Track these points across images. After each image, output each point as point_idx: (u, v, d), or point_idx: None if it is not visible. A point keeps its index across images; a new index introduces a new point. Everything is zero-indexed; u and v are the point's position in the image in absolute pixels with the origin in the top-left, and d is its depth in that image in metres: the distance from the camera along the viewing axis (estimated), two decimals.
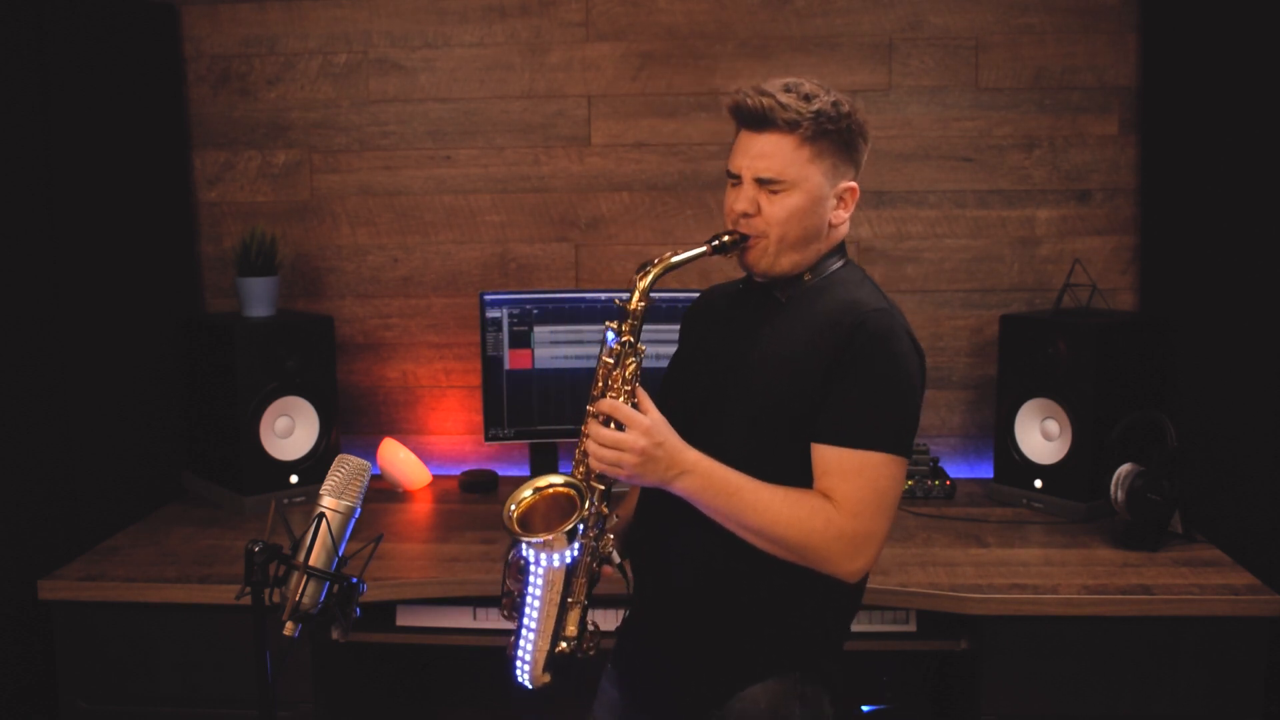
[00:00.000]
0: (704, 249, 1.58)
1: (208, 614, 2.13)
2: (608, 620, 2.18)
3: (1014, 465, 2.59)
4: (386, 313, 2.94)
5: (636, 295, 1.56)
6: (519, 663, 1.62)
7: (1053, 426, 2.55)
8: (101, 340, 2.55)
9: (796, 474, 1.54)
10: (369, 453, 2.80)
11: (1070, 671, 2.07)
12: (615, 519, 1.62)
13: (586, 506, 1.53)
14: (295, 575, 1.49)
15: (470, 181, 2.88)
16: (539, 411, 2.71)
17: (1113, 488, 2.28)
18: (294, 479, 2.62)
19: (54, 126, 2.44)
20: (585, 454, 1.54)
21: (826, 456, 1.53)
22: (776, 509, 1.50)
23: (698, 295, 1.86)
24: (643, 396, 1.54)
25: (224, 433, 2.59)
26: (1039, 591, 2.07)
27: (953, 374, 2.86)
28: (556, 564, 1.54)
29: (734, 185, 1.60)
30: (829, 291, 1.60)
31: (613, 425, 1.50)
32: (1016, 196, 2.81)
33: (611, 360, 1.55)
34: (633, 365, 1.55)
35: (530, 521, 1.56)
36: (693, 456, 1.51)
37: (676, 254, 1.57)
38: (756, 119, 1.56)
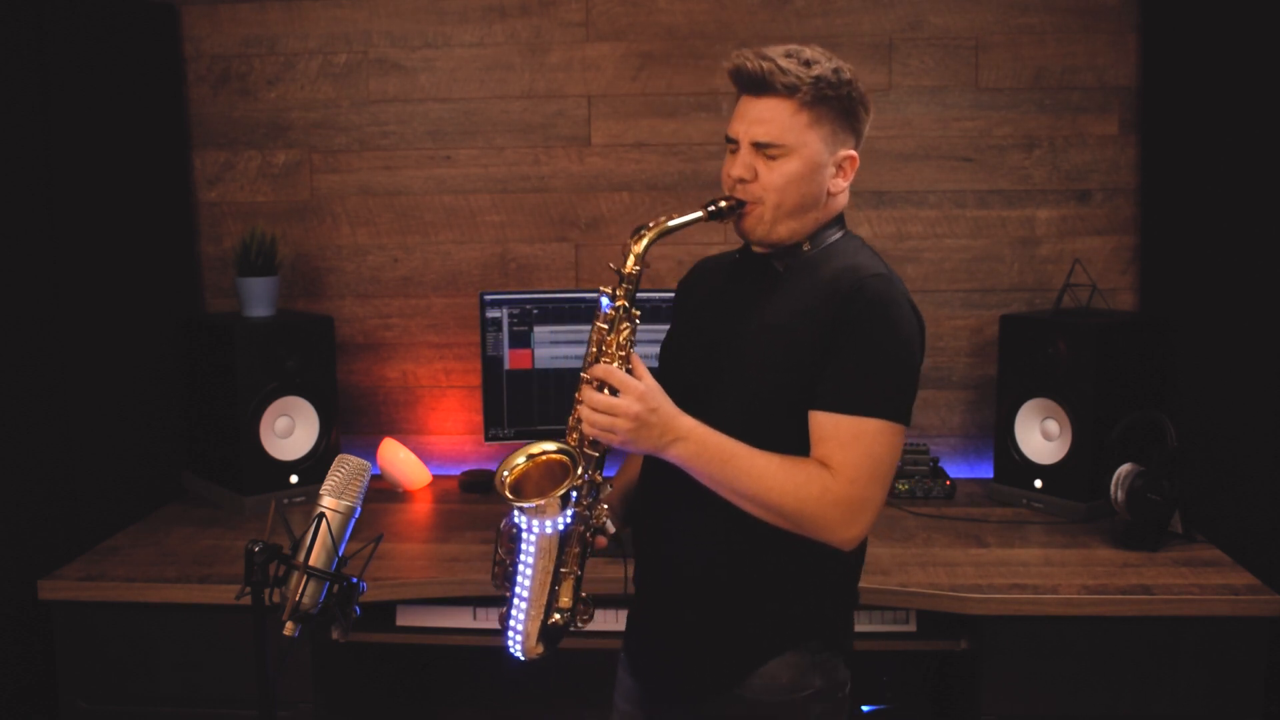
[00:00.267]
0: (700, 214, 1.57)
1: (208, 614, 2.13)
2: (610, 620, 2.19)
3: (1014, 465, 2.59)
4: (386, 313, 2.94)
5: (631, 259, 1.54)
6: (511, 633, 1.60)
7: (1053, 426, 2.55)
8: (101, 340, 2.55)
9: (794, 445, 1.53)
10: (369, 453, 2.80)
11: (1070, 671, 2.07)
12: (609, 488, 1.61)
13: (579, 472, 1.52)
14: (295, 575, 1.49)
15: (470, 181, 2.88)
16: (539, 411, 2.71)
17: (1113, 488, 2.28)
18: (294, 479, 2.62)
19: (54, 126, 2.44)
20: (579, 420, 1.52)
21: (823, 423, 1.52)
22: (772, 475, 1.49)
23: (692, 266, 1.84)
24: (637, 362, 1.53)
25: (224, 433, 2.59)
26: (1039, 591, 2.07)
27: (953, 374, 2.86)
28: (549, 530, 1.53)
29: (732, 151, 1.59)
30: (828, 261, 1.60)
31: (606, 390, 1.50)
32: (1016, 196, 2.81)
33: (605, 326, 1.54)
34: (627, 330, 1.54)
35: (523, 488, 1.55)
36: (687, 423, 1.50)
37: (672, 218, 1.56)
38: (756, 83, 1.55)
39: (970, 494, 2.70)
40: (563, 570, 1.59)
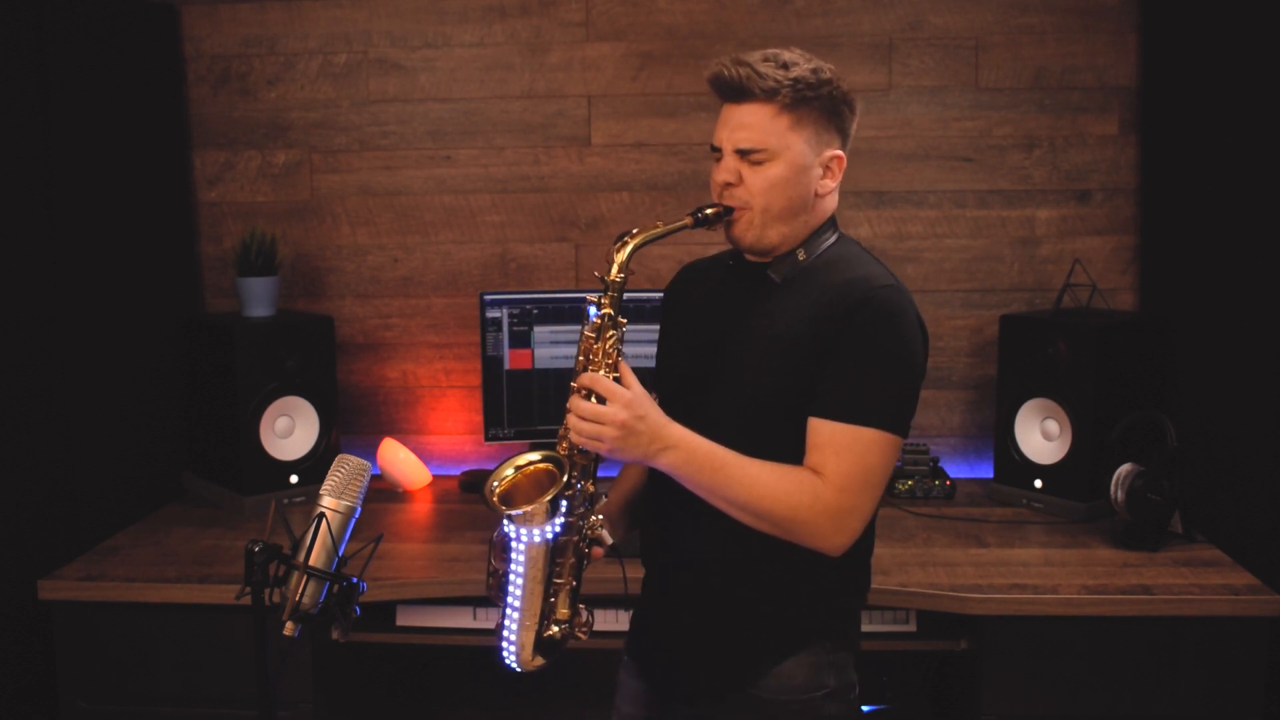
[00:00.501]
0: (686, 221, 1.56)
1: (208, 614, 2.13)
2: (609, 620, 2.19)
3: (1014, 465, 2.59)
4: (386, 313, 2.94)
5: (615, 267, 1.54)
6: (505, 644, 1.60)
7: (1053, 426, 2.55)
8: (101, 340, 2.55)
9: (790, 454, 1.53)
10: (369, 453, 2.80)
11: (1070, 671, 2.07)
12: (604, 499, 1.60)
13: (565, 479, 1.51)
14: (295, 575, 1.49)
15: (470, 181, 2.88)
16: (539, 411, 2.71)
17: (1113, 488, 2.28)
18: (294, 479, 2.62)
19: (54, 126, 2.44)
20: (568, 429, 1.52)
21: (820, 430, 1.52)
22: (763, 483, 1.49)
23: (678, 271, 1.83)
24: (625, 370, 1.52)
25: (224, 433, 2.59)
26: (1039, 591, 2.07)
27: (953, 374, 2.86)
28: (538, 539, 1.52)
29: (717, 159, 1.59)
30: (831, 269, 1.59)
31: (594, 398, 1.49)
32: (1016, 196, 2.81)
33: (593, 335, 1.54)
34: (613, 338, 1.54)
35: (513, 499, 1.55)
36: (676, 431, 1.50)
37: (657, 226, 1.55)
38: (735, 90, 1.55)
39: (970, 494, 2.70)
40: (557, 581, 1.58)
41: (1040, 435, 2.57)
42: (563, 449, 1.55)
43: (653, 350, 1.80)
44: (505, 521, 1.53)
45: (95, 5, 2.54)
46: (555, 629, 1.59)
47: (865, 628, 2.19)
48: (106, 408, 2.56)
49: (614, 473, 1.86)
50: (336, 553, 1.52)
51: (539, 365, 2.69)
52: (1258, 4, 2.34)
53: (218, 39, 2.86)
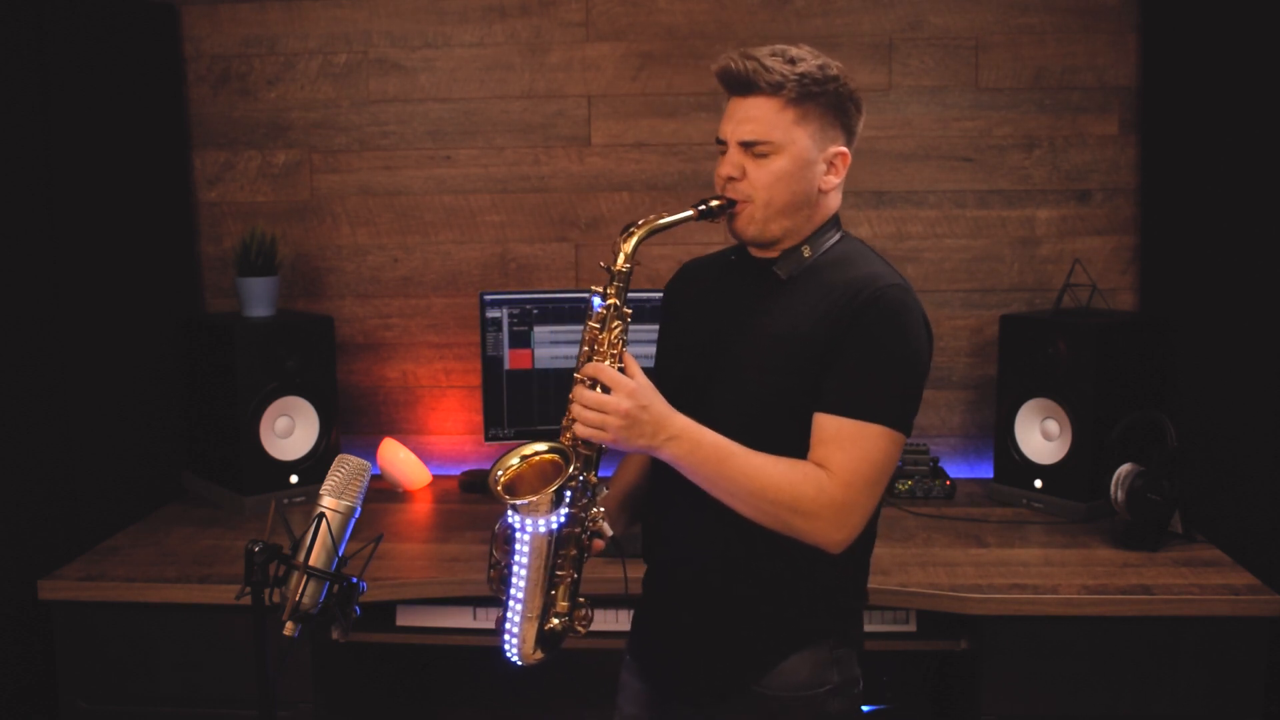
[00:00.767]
0: (690, 213, 1.57)
1: (208, 614, 2.13)
2: (609, 620, 2.19)
3: (1014, 465, 2.59)
4: (386, 313, 2.94)
5: (621, 257, 1.55)
6: (507, 636, 1.59)
7: (1053, 426, 2.55)
8: (101, 340, 2.55)
9: (795, 450, 1.53)
10: (369, 453, 2.80)
11: (1070, 671, 2.07)
12: (605, 490, 1.60)
13: (571, 469, 1.51)
14: (295, 575, 1.49)
15: (470, 181, 2.88)
16: (539, 411, 2.71)
17: (1113, 488, 2.28)
18: (294, 479, 2.62)
19: (54, 126, 2.44)
20: (573, 419, 1.52)
21: (825, 425, 1.52)
22: (768, 474, 1.49)
23: (680, 267, 1.83)
24: (629, 360, 1.52)
25: (224, 433, 2.59)
26: (1039, 591, 2.07)
27: (953, 374, 2.86)
28: (542, 529, 1.52)
29: (721, 152, 1.60)
30: (837, 267, 1.59)
31: (599, 388, 1.49)
32: (1016, 196, 2.81)
33: (598, 325, 1.54)
34: (618, 328, 1.54)
35: (517, 489, 1.54)
36: (680, 421, 1.50)
37: (662, 217, 1.56)
38: (741, 83, 1.55)
39: (970, 494, 2.70)
40: (559, 573, 1.58)
41: (1040, 435, 2.57)
42: (566, 439, 1.55)
43: (654, 350, 1.80)
44: (509, 512, 1.52)
45: (95, 5, 2.54)
46: (556, 621, 1.59)
47: (866, 628, 2.19)
48: (106, 408, 2.56)
49: (611, 468, 1.86)
50: (336, 553, 1.52)
51: (539, 365, 2.69)
52: (1258, 4, 2.34)
53: (218, 39, 2.86)
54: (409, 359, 2.95)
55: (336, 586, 1.51)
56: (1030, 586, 2.09)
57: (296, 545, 1.51)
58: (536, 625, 1.58)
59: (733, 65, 1.55)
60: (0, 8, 2.30)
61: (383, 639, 2.31)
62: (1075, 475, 2.48)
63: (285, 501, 2.58)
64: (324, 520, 1.51)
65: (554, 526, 1.53)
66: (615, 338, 1.53)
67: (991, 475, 2.69)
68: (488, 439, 2.71)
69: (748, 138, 1.55)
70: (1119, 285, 2.80)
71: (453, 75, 2.85)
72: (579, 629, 1.62)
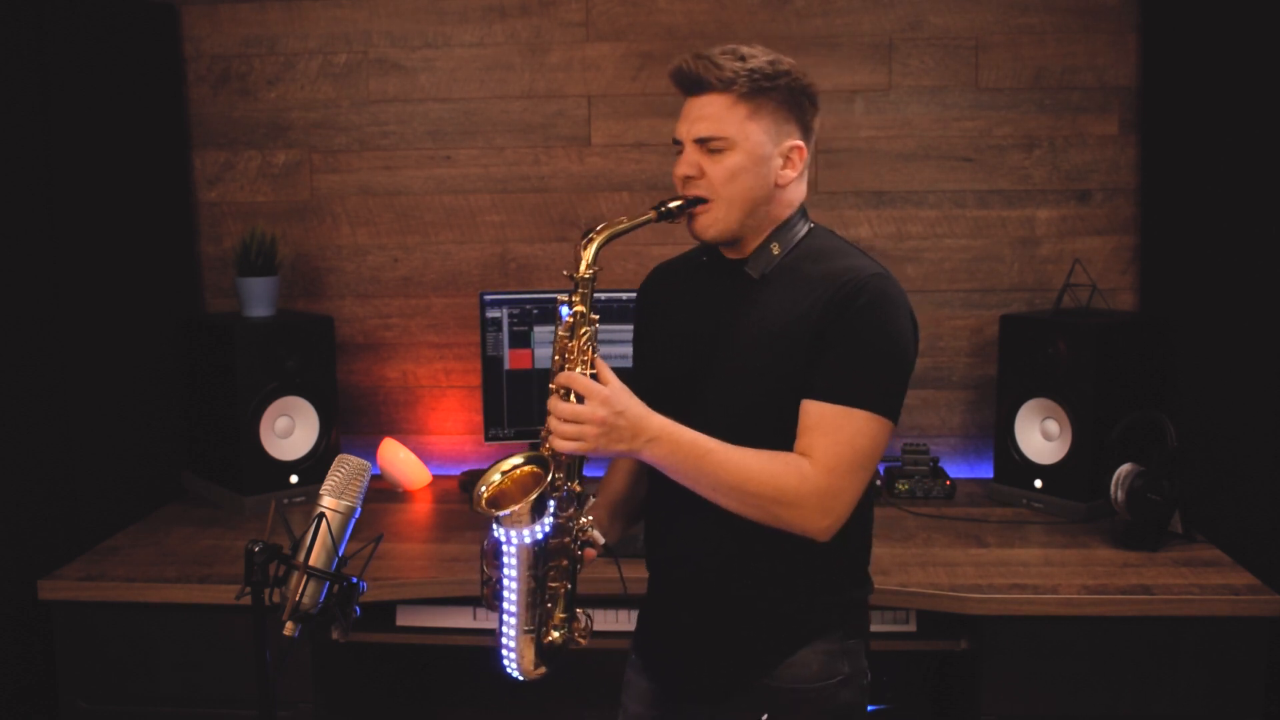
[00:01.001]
0: (650, 215, 1.57)
1: (208, 614, 2.13)
2: (609, 620, 2.19)
3: (1014, 465, 2.59)
4: (386, 313, 2.94)
5: (583, 264, 1.54)
6: (505, 651, 1.59)
7: (1053, 426, 2.55)
8: (101, 340, 2.55)
9: (783, 448, 1.53)
10: (369, 453, 2.80)
11: (1070, 671, 2.07)
12: (592, 499, 1.60)
13: (551, 478, 1.51)
14: (295, 575, 1.49)
15: (470, 181, 2.88)
16: (539, 411, 2.69)
17: (1113, 488, 2.28)
18: (294, 479, 2.62)
19: (54, 126, 2.44)
20: (549, 431, 1.51)
21: (809, 412, 1.52)
22: (748, 465, 1.49)
23: (651, 270, 1.83)
24: (601, 366, 1.52)
25: (224, 433, 2.59)
26: (1039, 591, 2.07)
27: (953, 374, 2.86)
28: (527, 540, 1.51)
29: (678, 152, 1.61)
30: (814, 261, 1.59)
31: (573, 397, 1.49)
32: (1016, 196, 2.81)
33: (566, 334, 1.54)
34: (587, 334, 1.53)
35: (500, 504, 1.54)
36: (657, 422, 1.50)
37: (622, 221, 1.57)
38: (694, 82, 1.56)
39: (970, 494, 2.70)
40: (552, 585, 1.58)
41: (1040, 435, 2.57)
42: (545, 450, 1.54)
43: (630, 350, 1.80)
44: (494, 526, 1.52)
45: (95, 5, 2.54)
46: (555, 634, 1.59)
47: None
48: (106, 408, 2.56)
49: (600, 471, 1.86)
50: (336, 553, 1.52)
51: (539, 365, 2.69)
52: (1258, 4, 2.34)
53: (218, 39, 2.86)
54: (409, 359, 2.95)
55: (336, 586, 1.51)
56: (1030, 586, 2.09)
57: (296, 545, 1.51)
58: (534, 639, 1.58)
59: (684, 65, 1.56)
60: (0, 8, 2.30)
61: (383, 639, 2.31)
62: (1075, 475, 2.48)
63: (285, 501, 2.58)
64: (324, 520, 1.51)
65: (539, 537, 1.52)
66: (585, 344, 1.53)
67: (991, 475, 2.69)
68: (488, 439, 2.71)
69: (702, 134, 1.56)
70: (1119, 285, 2.80)
71: (453, 75, 2.85)
72: (579, 640, 1.62)
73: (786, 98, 1.57)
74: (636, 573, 1.76)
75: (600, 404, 1.47)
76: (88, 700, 2.19)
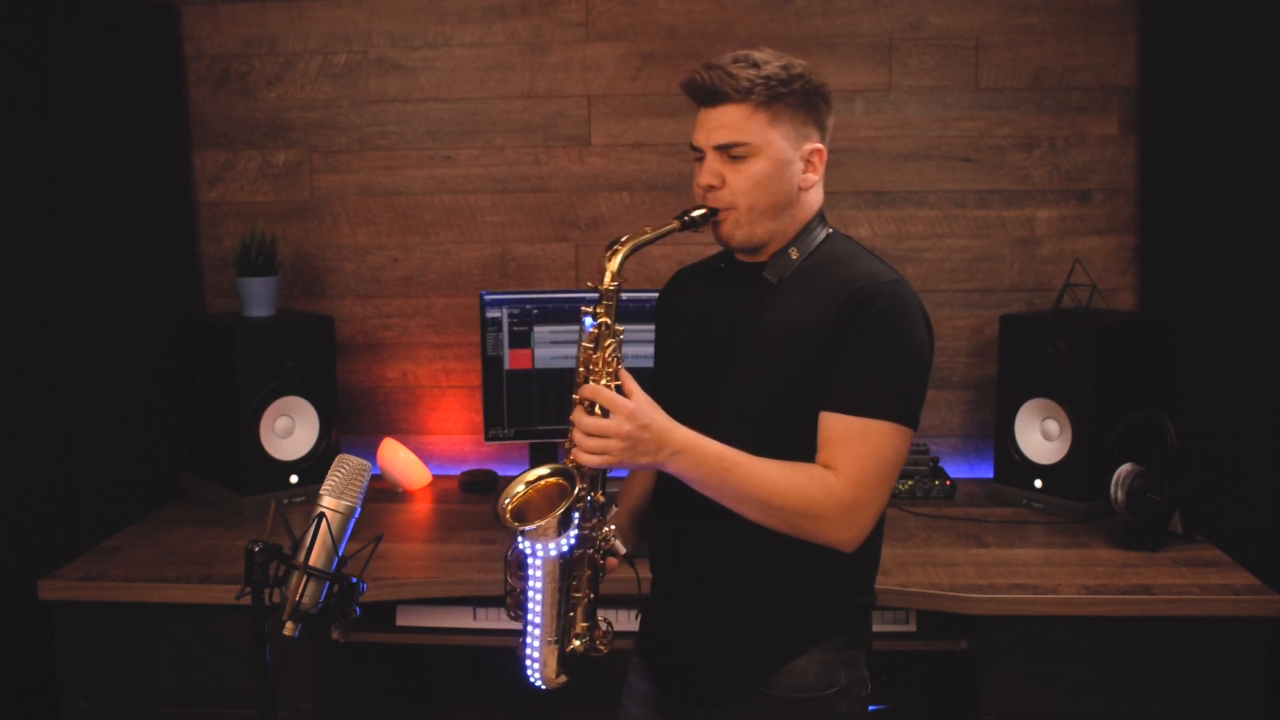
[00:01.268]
0: (674, 225, 1.56)
1: (208, 614, 2.13)
2: (618, 620, 2.19)
3: (1014, 465, 2.59)
4: (386, 313, 2.94)
5: (608, 275, 1.54)
6: (529, 661, 1.60)
7: (1053, 426, 2.55)
8: (101, 340, 2.55)
9: (804, 453, 1.53)
10: (369, 453, 2.80)
11: (1070, 671, 2.07)
12: (614, 509, 1.60)
13: (576, 491, 1.51)
14: (295, 575, 1.49)
15: (470, 181, 2.88)
16: (539, 411, 2.71)
17: (1113, 488, 2.28)
18: (294, 479, 2.62)
19: (54, 126, 2.44)
20: (574, 444, 1.51)
21: (831, 424, 1.52)
22: (774, 479, 1.49)
23: (671, 277, 1.83)
24: (626, 378, 1.52)
25: (224, 433, 2.59)
26: (1039, 591, 2.07)
27: (953, 374, 2.86)
28: (553, 553, 1.52)
29: (698, 160, 1.60)
30: (831, 266, 1.59)
31: (598, 410, 1.49)
32: (1016, 196, 2.81)
33: (590, 345, 1.53)
34: (612, 346, 1.53)
35: (525, 515, 1.54)
36: (682, 435, 1.49)
37: (646, 232, 1.56)
38: (709, 93, 1.55)
39: (970, 494, 2.70)
40: (575, 595, 1.58)
41: (1040, 435, 2.57)
42: (570, 461, 1.54)
43: (648, 350, 1.80)
44: (519, 538, 1.52)
45: (95, 5, 2.54)
46: (577, 643, 1.60)
47: None
48: (106, 408, 2.56)
49: (621, 474, 1.86)
50: (336, 553, 1.52)
51: (539, 365, 2.69)
52: (1258, 4, 2.34)
53: (218, 39, 2.86)
54: (409, 359, 2.95)
55: (336, 586, 1.51)
56: (1030, 586, 2.09)
57: (296, 545, 1.51)
58: (557, 649, 1.58)
59: (698, 77, 1.55)
60: (0, 8, 2.30)
61: (383, 639, 2.31)
62: (1075, 475, 2.48)
63: (285, 501, 2.58)
64: (324, 520, 1.51)
65: (564, 549, 1.53)
66: (610, 356, 1.52)
67: (991, 475, 2.69)
68: (488, 439, 2.71)
69: (724, 140, 1.55)
70: (1119, 285, 2.80)
71: (453, 75, 2.85)
72: (600, 648, 1.62)
73: (803, 100, 1.56)
74: (643, 573, 1.75)
75: (625, 418, 1.46)
76: (88, 700, 2.19)
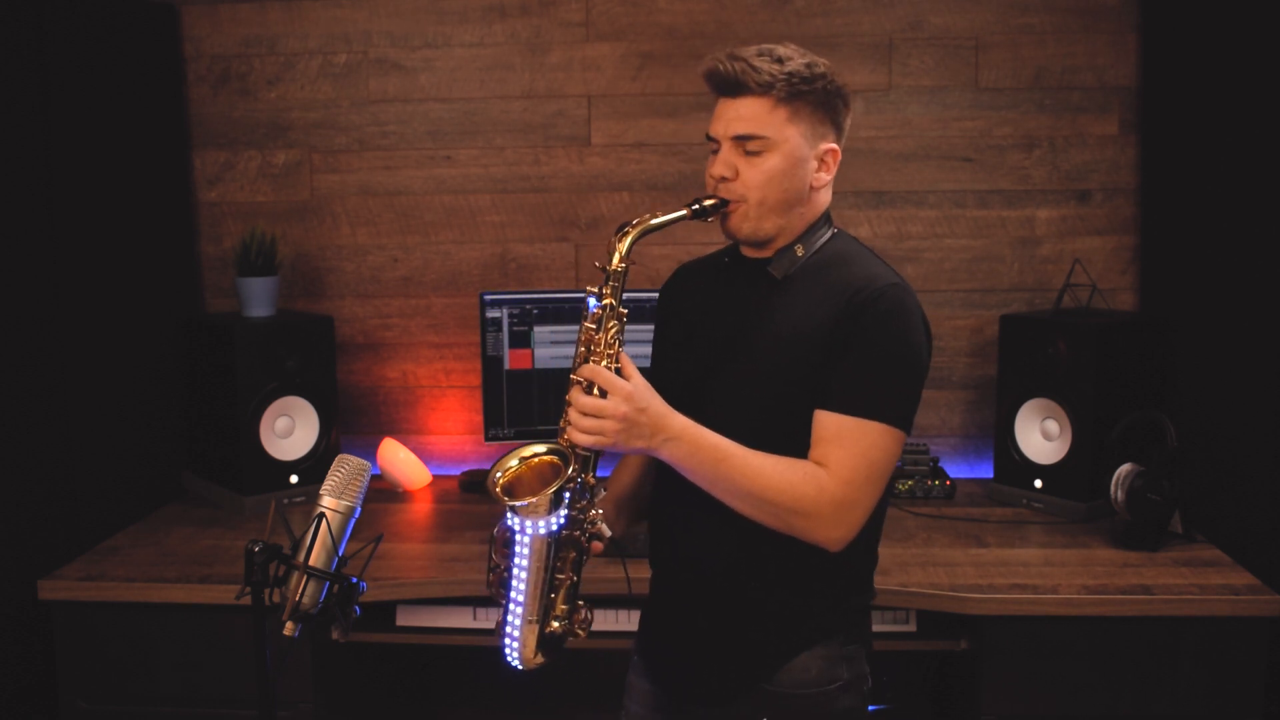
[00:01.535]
0: (683, 212, 1.56)
1: (208, 614, 2.13)
2: (609, 620, 2.19)
3: (1014, 465, 2.59)
4: (386, 313, 2.94)
5: (616, 257, 1.53)
6: (508, 640, 1.58)
7: (1053, 426, 2.55)
8: (101, 340, 2.55)
9: (798, 453, 1.53)
10: (369, 453, 2.80)
11: (1070, 671, 2.07)
12: (603, 492, 1.59)
13: (570, 470, 1.50)
14: (295, 575, 1.49)
15: (470, 181, 2.88)
16: (539, 412, 2.71)
17: (1113, 488, 2.29)
18: (294, 479, 2.62)
19: (54, 126, 2.44)
20: (569, 423, 1.51)
21: (825, 423, 1.52)
22: (767, 473, 1.49)
23: (674, 271, 1.82)
24: (625, 361, 1.51)
25: (224, 433, 2.59)
26: (1039, 591, 2.07)
27: (953, 374, 2.86)
28: (542, 531, 1.51)
29: (714, 150, 1.60)
30: (834, 267, 1.59)
31: (595, 390, 1.48)
32: (1016, 196, 2.81)
33: (593, 325, 1.53)
34: (614, 328, 1.53)
35: (516, 490, 1.54)
36: (679, 423, 1.49)
37: (656, 216, 1.55)
38: (730, 84, 1.55)
39: (970, 494, 2.70)
40: (559, 576, 1.57)
41: (1040, 435, 2.57)
42: (564, 441, 1.53)
43: (649, 350, 1.80)
44: (508, 514, 1.52)
45: (95, 5, 2.54)
46: (556, 624, 1.59)
47: None
48: (106, 408, 2.56)
49: (609, 468, 1.86)
50: (336, 553, 1.52)
51: (539, 365, 2.69)
52: (1258, 4, 2.34)
53: (218, 39, 2.86)
54: (409, 359, 2.95)
55: (336, 586, 1.51)
56: (1030, 586, 2.09)
57: (296, 545, 1.51)
58: (537, 629, 1.58)
59: (721, 67, 1.55)
60: (0, 8, 2.30)
61: (383, 639, 2.31)
62: (1075, 475, 2.48)
63: (285, 501, 2.58)
64: (324, 520, 1.51)
65: (554, 528, 1.52)
66: (611, 338, 1.52)
67: (991, 475, 2.69)
68: (488, 439, 2.71)
69: (741, 132, 1.54)
70: (1119, 285, 2.80)
71: (453, 75, 2.85)
72: (579, 632, 1.61)
73: (823, 100, 1.56)
74: (640, 573, 1.75)
75: (623, 399, 1.46)
76: (88, 700, 2.19)
